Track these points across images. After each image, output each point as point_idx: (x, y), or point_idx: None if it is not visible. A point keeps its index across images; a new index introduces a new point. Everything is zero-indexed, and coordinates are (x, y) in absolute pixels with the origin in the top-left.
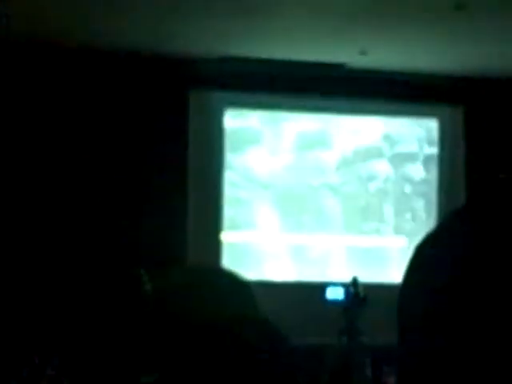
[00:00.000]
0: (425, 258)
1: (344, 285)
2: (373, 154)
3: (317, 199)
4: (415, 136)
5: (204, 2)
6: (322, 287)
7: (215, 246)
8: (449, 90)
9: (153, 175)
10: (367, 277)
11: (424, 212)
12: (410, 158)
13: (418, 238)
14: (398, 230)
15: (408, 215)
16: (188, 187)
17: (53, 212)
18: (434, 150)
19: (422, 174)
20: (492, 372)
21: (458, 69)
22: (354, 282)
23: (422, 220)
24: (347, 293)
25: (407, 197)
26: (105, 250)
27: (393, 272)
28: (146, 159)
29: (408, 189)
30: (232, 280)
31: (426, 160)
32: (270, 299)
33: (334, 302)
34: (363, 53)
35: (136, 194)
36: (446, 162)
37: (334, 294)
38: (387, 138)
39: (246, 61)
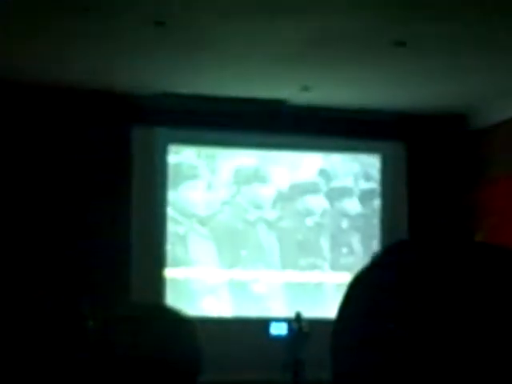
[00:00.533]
0: (361, 288)
1: (287, 320)
2: (309, 189)
3: (254, 234)
4: (351, 171)
5: (149, 39)
6: (265, 323)
7: (158, 282)
8: (390, 126)
9: (97, 210)
10: (307, 312)
11: (361, 246)
12: (346, 192)
13: (354, 272)
14: (334, 265)
15: (345, 250)
16: (132, 223)
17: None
18: (372, 185)
19: (358, 208)
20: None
21: (400, 105)
22: (298, 317)
23: (359, 255)
24: (290, 328)
25: (344, 231)
26: (50, 282)
27: (331, 307)
28: (90, 194)
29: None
30: (174, 316)
31: (363, 195)
32: (214, 335)
33: (278, 338)
34: (305, 89)
35: (81, 229)
36: (387, 196)
37: (278, 329)
38: (324, 173)
39: (189, 97)
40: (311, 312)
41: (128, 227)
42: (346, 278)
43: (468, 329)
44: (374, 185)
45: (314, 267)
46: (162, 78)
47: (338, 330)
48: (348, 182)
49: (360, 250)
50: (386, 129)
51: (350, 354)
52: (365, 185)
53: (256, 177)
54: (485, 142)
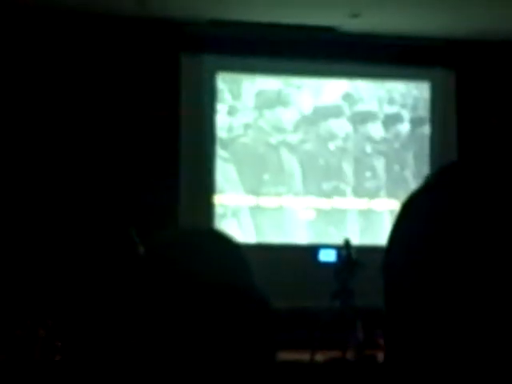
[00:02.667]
0: (414, 209)
1: (336, 247)
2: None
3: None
4: (376, 96)
5: None
6: (314, 249)
7: (207, 208)
8: (440, 53)
9: (145, 137)
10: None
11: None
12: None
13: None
14: (357, 190)
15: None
16: (180, 149)
17: (48, 174)
18: (395, 110)
19: (382, 132)
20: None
21: (450, 32)
22: (347, 244)
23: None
24: (339, 255)
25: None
26: (97, 212)
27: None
28: (137, 122)
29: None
30: (225, 241)
31: (387, 119)
32: (261, 261)
33: (327, 264)
34: (355, 15)
35: (128, 156)
36: (436, 123)
37: (327, 256)
38: (348, 97)
39: (237, 24)
40: (336, 239)
41: (176, 153)
42: (368, 204)
43: None
44: (398, 109)
45: (336, 192)
46: (209, 5)
47: (391, 249)
48: (372, 107)
49: (383, 175)
50: (435, 56)
51: (403, 273)
52: (389, 109)
53: (278, 101)
54: None
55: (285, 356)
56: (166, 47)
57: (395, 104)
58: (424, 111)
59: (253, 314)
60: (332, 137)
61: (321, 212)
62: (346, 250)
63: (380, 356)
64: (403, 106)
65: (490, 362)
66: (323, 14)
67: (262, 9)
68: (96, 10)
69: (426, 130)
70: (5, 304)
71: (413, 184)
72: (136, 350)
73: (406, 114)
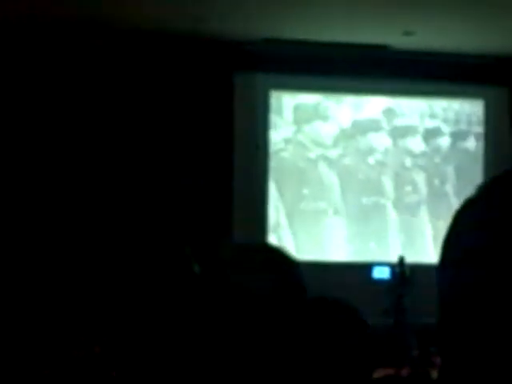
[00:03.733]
0: (467, 215)
1: (390, 264)
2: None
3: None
4: (417, 110)
5: None
6: (368, 267)
7: (260, 223)
8: (494, 71)
9: (200, 154)
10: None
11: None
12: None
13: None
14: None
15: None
16: (234, 166)
17: (103, 190)
18: (436, 124)
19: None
20: None
21: (503, 49)
22: (401, 261)
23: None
24: (393, 272)
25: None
26: (153, 230)
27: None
28: (193, 139)
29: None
30: (281, 257)
31: (427, 133)
32: (315, 278)
33: (381, 282)
34: (407, 33)
35: (184, 173)
36: (490, 140)
37: (381, 273)
38: (388, 111)
39: (291, 43)
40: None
41: (230, 169)
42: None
43: None
44: (439, 123)
45: (376, 206)
46: (263, 24)
47: (445, 254)
48: (413, 121)
49: (424, 189)
50: (489, 73)
51: (456, 274)
52: (430, 123)
53: (317, 115)
54: None
55: None
56: (221, 65)
57: (436, 118)
58: (476, 127)
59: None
60: (371, 151)
61: (360, 227)
62: (399, 267)
63: (434, 373)
64: (445, 120)
65: None
66: (376, 32)
67: (316, 27)
68: (153, 28)
69: (469, 144)
70: (58, 321)
71: (453, 199)
72: (195, 369)
73: (447, 128)
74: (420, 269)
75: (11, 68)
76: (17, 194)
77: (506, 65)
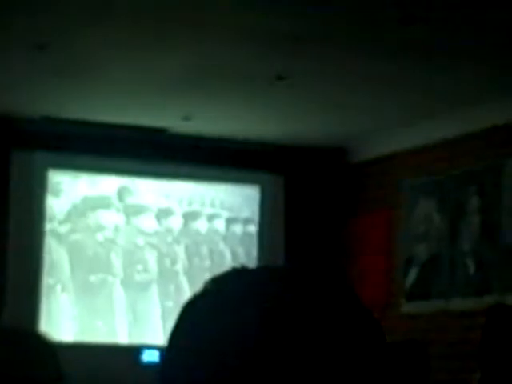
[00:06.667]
0: (189, 315)
1: (159, 348)
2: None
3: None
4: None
5: (29, 62)
6: (136, 350)
7: (32, 309)
8: (270, 158)
9: None
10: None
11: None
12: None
13: None
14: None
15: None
16: (7, 251)
17: None
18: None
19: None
20: None
21: (280, 138)
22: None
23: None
24: (163, 355)
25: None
26: None
27: None
28: None
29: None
30: (40, 341)
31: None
32: (82, 360)
33: (151, 365)
34: (186, 118)
35: None
36: (264, 226)
37: (151, 356)
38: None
39: (69, 122)
40: None
41: (4, 252)
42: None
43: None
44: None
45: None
46: (42, 102)
47: (168, 358)
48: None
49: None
50: (265, 160)
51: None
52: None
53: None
54: (363, 175)
55: None
56: None
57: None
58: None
59: None
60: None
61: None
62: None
63: None
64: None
65: None
66: (156, 115)
67: (101, 108)
68: None
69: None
70: None
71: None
72: None
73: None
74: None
75: None
76: None
77: (282, 153)
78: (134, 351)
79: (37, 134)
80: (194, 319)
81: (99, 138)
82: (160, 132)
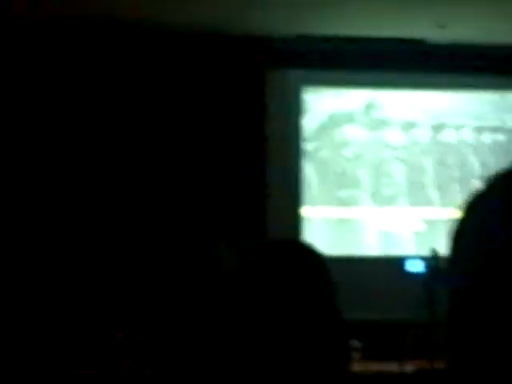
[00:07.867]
0: (476, 209)
1: (423, 258)
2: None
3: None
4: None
5: None
6: (400, 260)
7: (295, 221)
8: None
9: (231, 152)
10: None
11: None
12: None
13: None
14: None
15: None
16: (266, 163)
17: (135, 188)
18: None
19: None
20: None
21: None
22: (435, 254)
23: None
24: (427, 265)
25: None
26: (184, 226)
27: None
28: (223, 135)
29: None
30: (309, 253)
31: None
32: (348, 273)
33: (414, 275)
34: (441, 26)
35: (215, 172)
36: None
37: (414, 266)
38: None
39: (323, 38)
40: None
41: (263, 168)
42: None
43: None
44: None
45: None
46: (295, 20)
47: (459, 246)
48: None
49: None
50: None
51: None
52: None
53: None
54: None
55: (373, 367)
56: (252, 63)
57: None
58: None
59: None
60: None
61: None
62: (433, 260)
63: None
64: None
65: None
66: (410, 25)
67: (350, 22)
68: (182, 29)
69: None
70: (97, 316)
71: None
72: (222, 364)
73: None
74: None
75: (10, 66)
76: (21, 195)
77: None
78: (397, 261)
79: (291, 52)
80: (484, 215)
81: (353, 53)
82: (416, 42)
